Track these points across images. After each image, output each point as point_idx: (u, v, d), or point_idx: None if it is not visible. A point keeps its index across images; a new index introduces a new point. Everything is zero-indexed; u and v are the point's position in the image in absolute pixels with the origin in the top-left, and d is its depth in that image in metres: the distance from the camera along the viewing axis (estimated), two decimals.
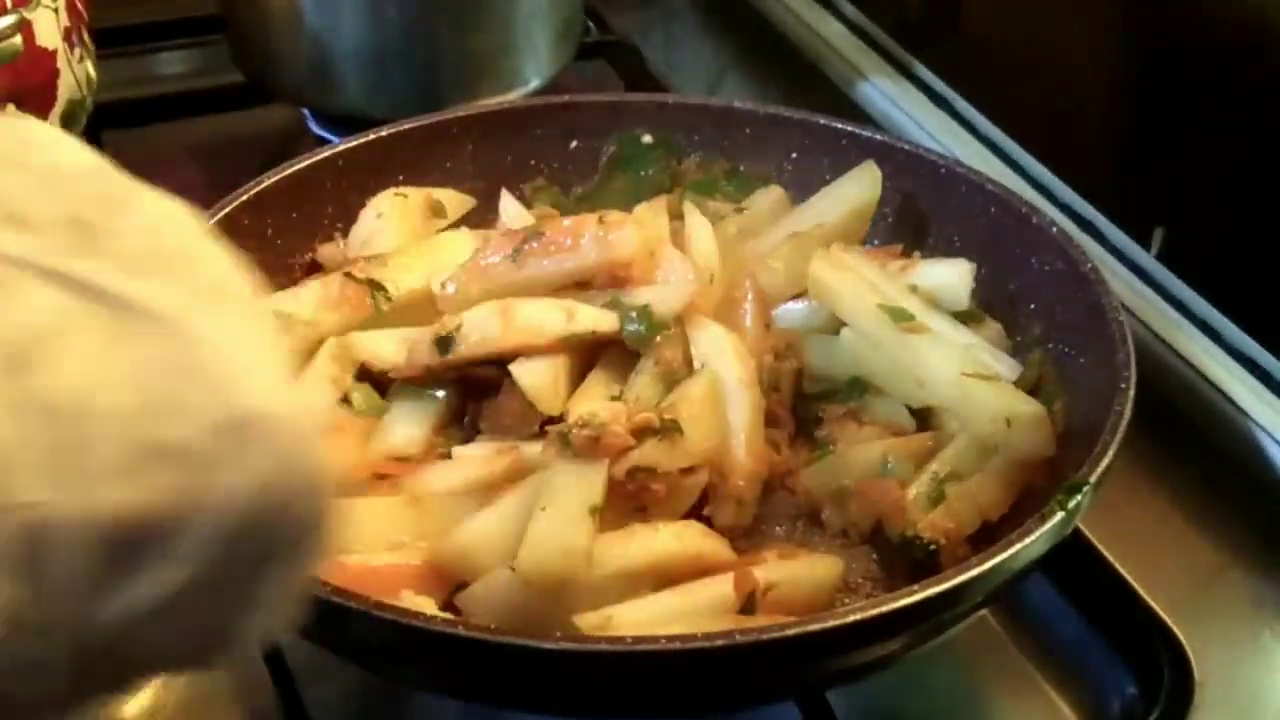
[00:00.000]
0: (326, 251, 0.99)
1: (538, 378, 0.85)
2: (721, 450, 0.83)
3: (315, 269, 0.99)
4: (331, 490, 0.48)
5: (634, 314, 0.86)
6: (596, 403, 0.83)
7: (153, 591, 0.44)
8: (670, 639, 0.70)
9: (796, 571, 0.79)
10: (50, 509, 0.42)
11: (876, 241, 1.02)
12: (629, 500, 0.79)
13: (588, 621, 0.73)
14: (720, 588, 0.76)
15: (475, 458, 0.84)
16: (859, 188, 0.98)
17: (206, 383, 0.45)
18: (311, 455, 0.47)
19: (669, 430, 0.80)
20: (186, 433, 0.44)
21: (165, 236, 0.49)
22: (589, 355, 0.88)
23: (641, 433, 0.79)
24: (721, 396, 0.84)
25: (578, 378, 0.87)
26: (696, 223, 0.96)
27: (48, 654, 0.44)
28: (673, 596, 0.76)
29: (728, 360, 0.86)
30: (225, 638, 0.48)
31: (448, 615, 0.75)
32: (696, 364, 0.87)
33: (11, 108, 0.98)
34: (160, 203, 0.50)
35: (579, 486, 0.77)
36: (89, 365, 0.44)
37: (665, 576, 0.77)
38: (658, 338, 0.86)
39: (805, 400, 0.90)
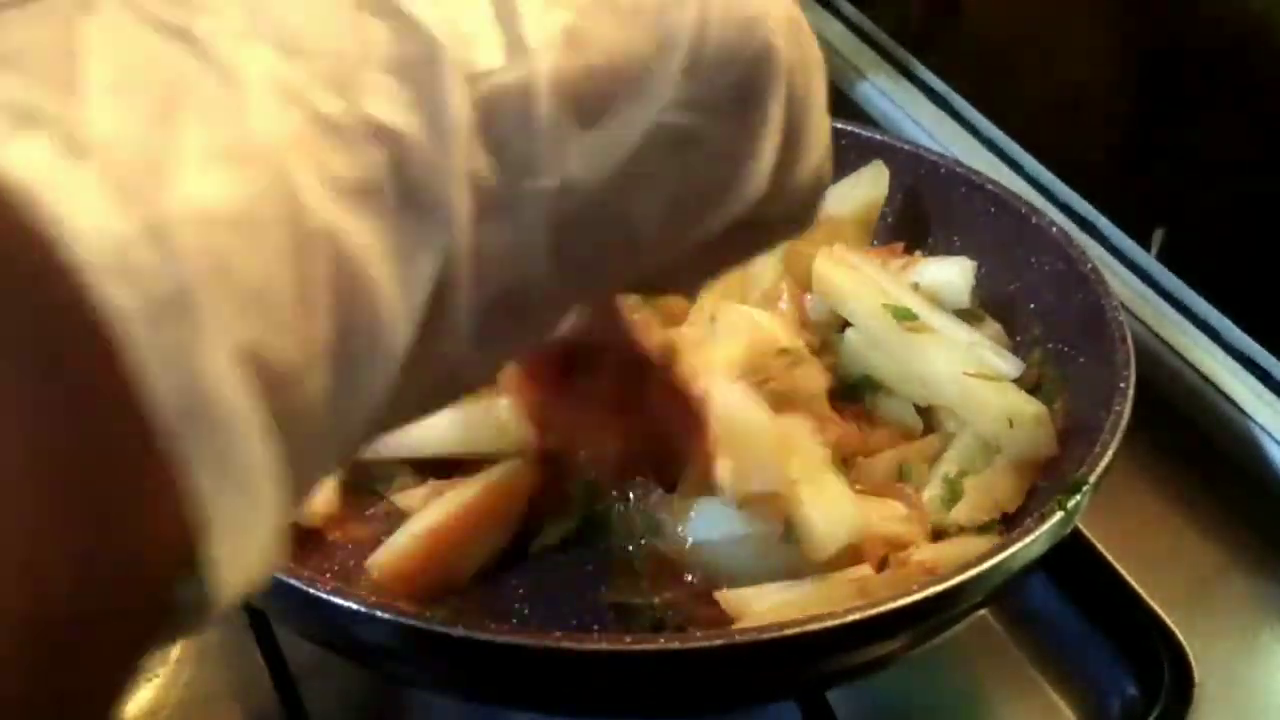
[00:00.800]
0: None
1: None
2: None
3: None
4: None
5: None
6: None
7: (626, 135, 0.41)
8: (670, 638, 0.70)
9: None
10: (500, 76, 0.39)
11: (876, 242, 1.02)
12: None
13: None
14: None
15: None
16: (866, 188, 0.98)
17: None
18: None
19: None
20: None
21: None
22: None
23: None
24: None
25: None
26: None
27: (524, 234, 0.40)
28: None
29: None
30: (728, 185, 0.45)
31: (448, 616, 0.75)
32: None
33: None
34: None
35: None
36: None
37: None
38: None
39: None
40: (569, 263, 0.42)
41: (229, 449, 0.33)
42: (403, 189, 0.37)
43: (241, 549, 0.34)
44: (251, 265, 0.34)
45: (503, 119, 0.39)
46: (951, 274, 0.92)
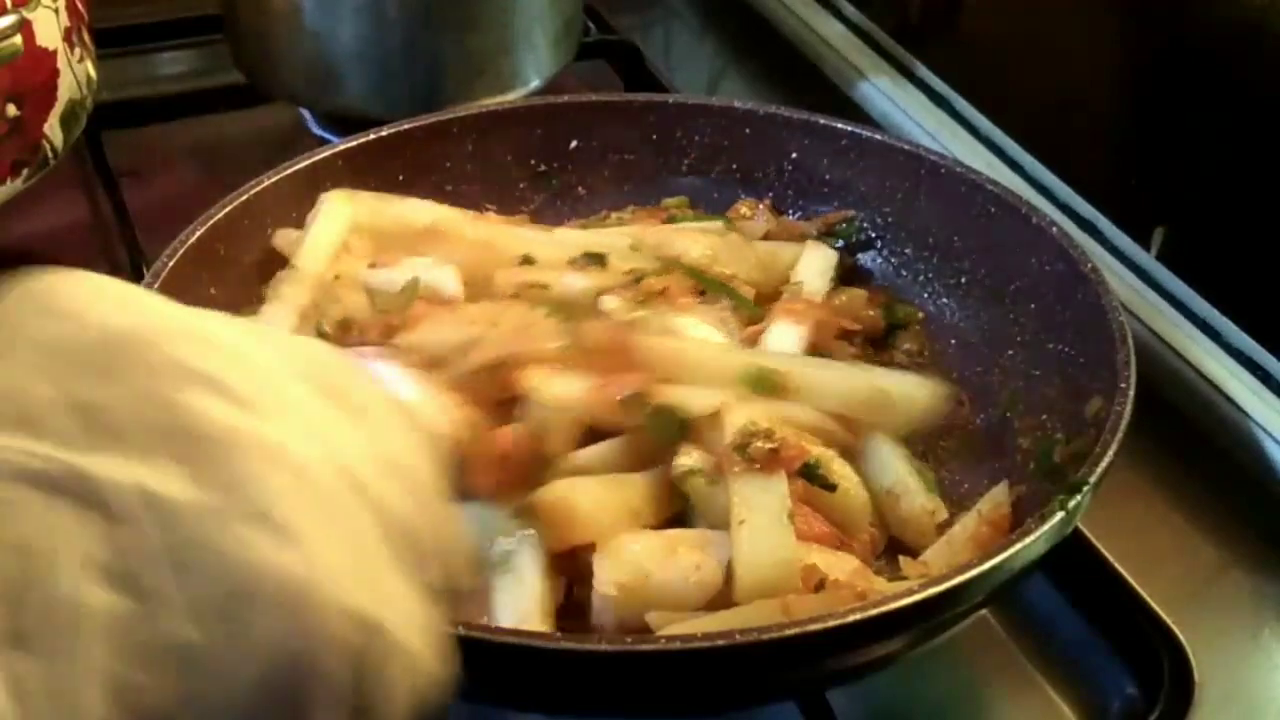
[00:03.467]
0: (283, 238, 0.98)
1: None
2: None
3: None
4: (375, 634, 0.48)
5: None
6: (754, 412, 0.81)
7: None
8: (670, 639, 0.70)
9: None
10: None
11: (875, 240, 1.02)
12: None
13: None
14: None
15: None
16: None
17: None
18: (330, 616, 0.47)
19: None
20: (181, 626, 0.45)
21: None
22: None
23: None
24: None
25: None
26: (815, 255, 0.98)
27: None
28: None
29: None
30: None
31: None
32: None
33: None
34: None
35: (771, 499, 0.77)
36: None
37: None
38: None
39: None
40: None
41: None
42: None
43: None
44: None
45: None
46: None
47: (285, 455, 0.49)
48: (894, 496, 0.84)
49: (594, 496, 0.79)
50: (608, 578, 0.76)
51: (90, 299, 0.51)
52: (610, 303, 0.90)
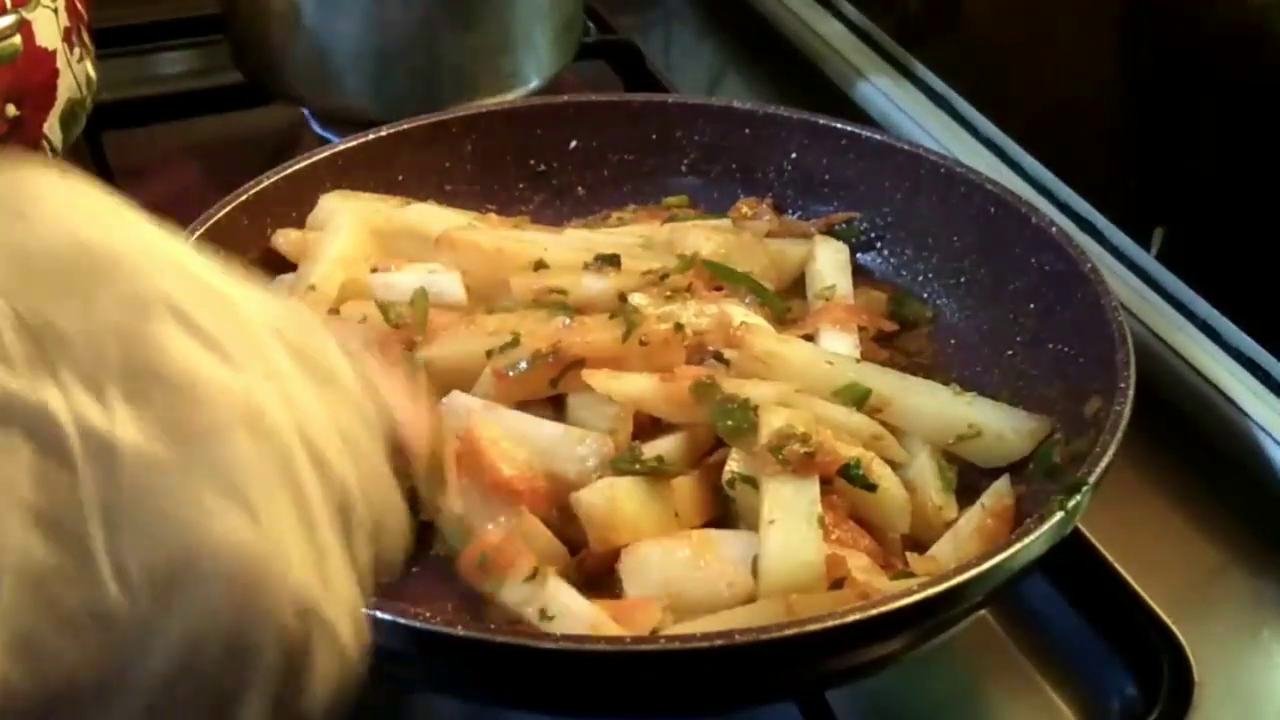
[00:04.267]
0: (283, 238, 0.98)
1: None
2: None
3: None
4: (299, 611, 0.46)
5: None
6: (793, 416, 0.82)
7: None
8: (670, 639, 0.70)
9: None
10: None
11: (875, 241, 1.02)
12: None
13: None
14: None
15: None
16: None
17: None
18: (262, 591, 0.44)
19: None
20: (106, 592, 0.42)
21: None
22: None
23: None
24: None
25: None
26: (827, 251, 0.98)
27: None
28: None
29: None
30: None
31: (446, 616, 0.75)
32: None
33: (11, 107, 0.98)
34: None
35: (801, 501, 0.77)
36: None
37: None
38: None
39: None
40: None
41: None
42: None
43: None
44: None
45: None
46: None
47: (252, 415, 0.45)
48: (910, 488, 0.84)
49: (637, 498, 0.80)
50: (639, 593, 0.77)
51: (61, 204, 0.46)
52: (638, 300, 0.90)
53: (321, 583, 0.46)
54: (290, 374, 0.48)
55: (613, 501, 0.79)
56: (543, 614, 0.74)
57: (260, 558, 0.44)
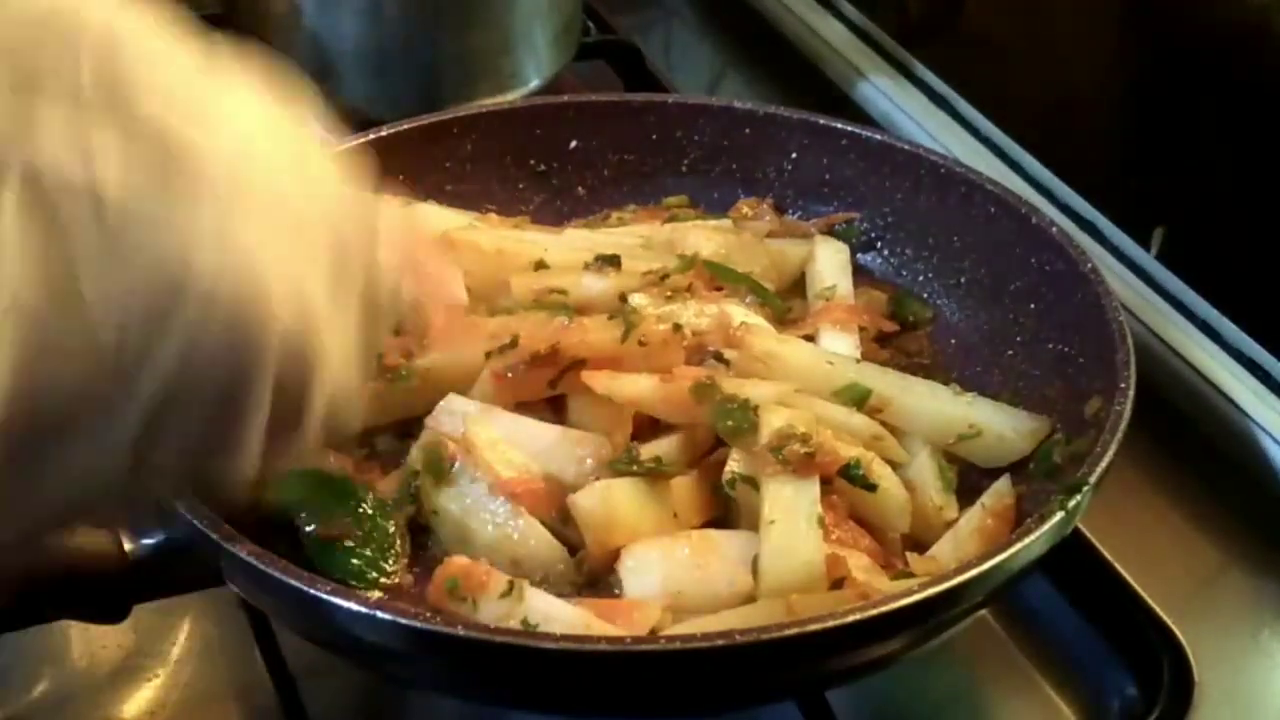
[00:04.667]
0: None
1: None
2: None
3: None
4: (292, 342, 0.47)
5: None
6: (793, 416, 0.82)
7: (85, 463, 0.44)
8: (670, 639, 0.70)
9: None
10: None
11: (875, 241, 1.02)
12: None
13: None
14: None
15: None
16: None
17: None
18: (253, 320, 0.45)
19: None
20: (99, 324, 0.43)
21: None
22: None
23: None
24: None
25: None
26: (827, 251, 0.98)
27: None
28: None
29: None
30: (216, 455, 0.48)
31: (447, 616, 0.75)
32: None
33: None
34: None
35: (801, 500, 0.78)
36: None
37: None
38: None
39: None
40: None
41: None
42: None
43: None
44: None
45: None
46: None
47: (239, 144, 0.46)
48: (910, 488, 0.84)
49: (634, 499, 0.80)
50: (640, 594, 0.77)
51: None
52: (638, 301, 0.90)
53: (313, 309, 0.48)
54: (280, 163, 0.50)
55: (608, 504, 0.79)
56: (525, 624, 0.73)
57: (250, 281, 0.45)
